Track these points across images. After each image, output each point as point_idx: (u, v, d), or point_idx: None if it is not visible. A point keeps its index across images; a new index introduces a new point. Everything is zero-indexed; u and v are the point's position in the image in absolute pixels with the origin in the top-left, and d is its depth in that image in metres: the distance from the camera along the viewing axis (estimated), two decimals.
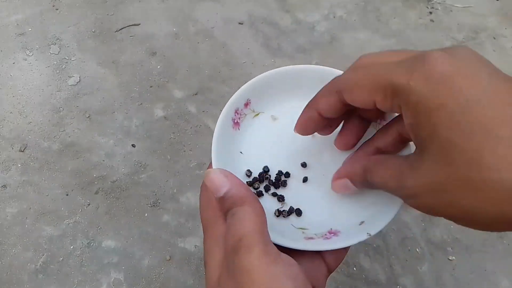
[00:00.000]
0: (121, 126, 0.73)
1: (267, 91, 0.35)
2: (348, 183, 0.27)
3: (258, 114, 0.35)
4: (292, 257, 0.24)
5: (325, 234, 0.29)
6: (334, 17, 0.90)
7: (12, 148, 0.69)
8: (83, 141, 0.71)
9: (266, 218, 0.23)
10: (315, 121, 0.27)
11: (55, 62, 0.80)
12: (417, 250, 0.63)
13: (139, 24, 0.87)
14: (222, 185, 0.23)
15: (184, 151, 0.71)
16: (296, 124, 0.29)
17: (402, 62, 0.20)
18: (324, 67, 0.33)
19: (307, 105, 0.27)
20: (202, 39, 0.85)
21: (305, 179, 0.32)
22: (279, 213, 0.31)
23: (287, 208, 0.31)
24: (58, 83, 0.77)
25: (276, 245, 0.24)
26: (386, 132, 0.26)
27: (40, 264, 0.60)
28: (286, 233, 0.29)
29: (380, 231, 0.28)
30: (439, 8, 0.95)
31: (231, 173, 0.25)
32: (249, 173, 0.32)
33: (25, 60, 0.80)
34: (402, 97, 0.19)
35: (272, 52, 0.84)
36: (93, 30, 0.85)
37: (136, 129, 0.73)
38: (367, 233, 0.27)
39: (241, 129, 0.34)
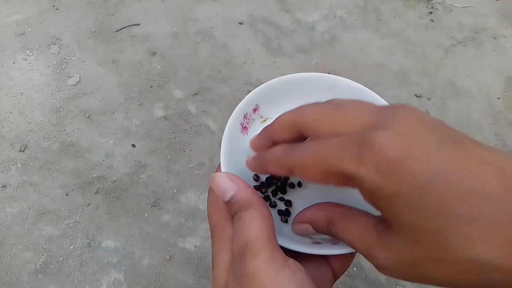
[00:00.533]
0: (121, 126, 0.73)
1: (276, 97, 0.35)
2: (309, 228, 0.27)
3: (266, 120, 0.35)
4: (299, 262, 0.24)
5: (333, 239, 0.29)
6: (334, 17, 0.90)
7: (12, 148, 0.69)
8: (83, 141, 0.71)
9: (273, 222, 0.23)
10: (269, 147, 0.27)
11: (55, 62, 0.80)
12: None
13: (139, 24, 0.87)
14: (228, 189, 0.23)
15: (184, 151, 0.71)
16: (250, 144, 0.28)
17: (348, 146, 0.19)
18: (334, 75, 0.34)
19: (263, 131, 0.27)
20: (202, 39, 0.85)
21: (299, 184, 0.32)
22: (285, 219, 0.31)
23: (294, 213, 0.31)
24: (58, 83, 0.77)
25: (283, 249, 0.24)
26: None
27: (40, 264, 0.60)
28: (294, 237, 0.29)
29: None
30: (439, 8, 0.95)
31: (237, 177, 0.25)
32: (256, 177, 0.32)
33: (25, 60, 0.80)
34: (356, 183, 0.19)
35: (272, 52, 0.83)
36: (93, 30, 0.85)
37: (136, 129, 0.73)
38: None
39: (249, 133, 0.34)
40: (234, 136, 0.33)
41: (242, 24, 0.88)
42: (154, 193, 0.66)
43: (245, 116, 0.34)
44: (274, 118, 0.36)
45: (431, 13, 0.94)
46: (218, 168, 0.31)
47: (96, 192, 0.66)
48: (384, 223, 0.20)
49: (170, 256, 0.61)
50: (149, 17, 0.88)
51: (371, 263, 0.22)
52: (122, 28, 0.85)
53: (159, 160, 0.69)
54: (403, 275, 0.20)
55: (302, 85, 0.35)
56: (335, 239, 0.25)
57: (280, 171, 0.24)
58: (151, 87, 0.78)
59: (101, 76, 0.79)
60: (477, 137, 0.79)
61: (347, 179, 0.20)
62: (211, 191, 0.27)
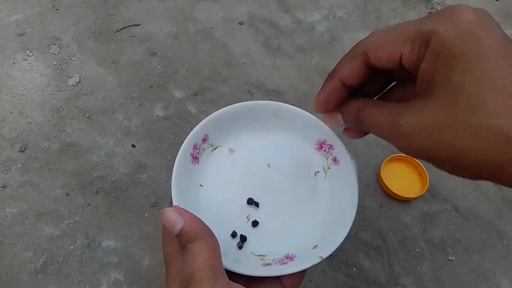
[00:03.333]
0: (121, 126, 0.73)
1: (224, 126, 0.37)
2: (339, 117, 0.28)
3: (216, 147, 0.37)
4: (252, 285, 0.26)
5: (282, 260, 0.31)
6: (334, 17, 0.90)
7: (12, 148, 0.69)
8: (83, 141, 0.71)
9: (219, 250, 0.25)
10: (338, 92, 0.27)
11: (55, 62, 0.80)
12: (417, 250, 0.63)
13: (139, 24, 0.87)
14: (176, 223, 0.25)
15: None
16: (317, 101, 0.29)
17: (428, 16, 0.21)
18: (277, 102, 0.37)
19: (328, 77, 0.27)
20: (202, 39, 0.85)
21: (254, 222, 0.35)
22: (240, 247, 0.33)
23: (250, 238, 0.34)
24: (58, 83, 0.77)
25: (238, 274, 0.27)
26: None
27: (40, 264, 0.60)
28: (246, 262, 0.31)
29: (331, 255, 0.30)
30: (439, 8, 0.95)
31: (185, 210, 0.26)
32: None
33: (25, 60, 0.80)
34: (430, 43, 0.20)
35: (272, 52, 0.84)
36: (93, 30, 0.85)
37: (136, 129, 0.73)
38: (320, 256, 0.29)
39: (200, 163, 0.36)
40: (185, 167, 0.34)
41: (242, 24, 0.88)
42: (154, 193, 0.66)
43: (194, 147, 0.35)
44: (224, 146, 0.39)
45: (430, 13, 0.94)
46: (171, 203, 0.33)
47: (96, 192, 0.66)
48: (421, 95, 0.21)
49: None
50: (149, 17, 0.88)
51: (391, 137, 0.23)
52: (122, 28, 0.85)
53: (159, 160, 0.69)
54: (422, 142, 0.20)
55: (247, 113, 0.37)
56: (358, 128, 0.26)
57: (352, 64, 0.25)
58: (151, 87, 0.78)
59: (101, 76, 0.79)
60: None
61: (421, 42, 0.21)
62: (164, 225, 0.29)
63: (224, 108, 0.36)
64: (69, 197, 0.65)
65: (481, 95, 0.18)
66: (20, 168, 0.68)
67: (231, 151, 0.37)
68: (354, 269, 0.61)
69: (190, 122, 0.74)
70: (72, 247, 0.61)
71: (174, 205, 0.31)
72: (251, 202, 0.34)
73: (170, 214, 0.25)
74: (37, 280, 0.58)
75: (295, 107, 0.37)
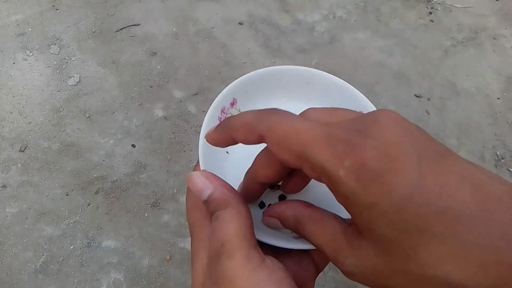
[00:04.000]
0: (121, 126, 0.73)
1: (253, 91, 0.34)
2: (278, 223, 0.27)
3: None
4: (280, 259, 0.24)
5: None
6: (334, 17, 0.90)
7: (12, 148, 0.69)
8: (83, 141, 0.71)
9: (251, 220, 0.23)
10: (227, 143, 0.26)
11: (55, 62, 0.80)
12: None
13: (139, 24, 0.87)
14: (205, 188, 0.23)
15: (184, 151, 0.71)
16: (206, 136, 0.27)
17: (333, 142, 0.19)
18: (310, 68, 0.34)
19: (221, 125, 0.25)
20: (202, 39, 0.85)
21: (281, 197, 0.32)
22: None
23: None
24: (58, 83, 0.77)
25: (264, 244, 0.24)
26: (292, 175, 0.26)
27: (40, 264, 0.60)
28: (275, 233, 0.29)
29: None
30: (439, 8, 0.95)
31: (214, 175, 0.24)
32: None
33: (25, 60, 0.80)
34: (332, 182, 0.19)
35: (272, 52, 0.84)
36: (93, 30, 0.85)
37: (136, 129, 0.73)
38: None
39: None
40: None
41: (242, 24, 0.88)
42: (154, 193, 0.66)
43: (222, 111, 0.33)
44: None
45: (431, 13, 0.94)
46: (197, 166, 0.30)
47: (96, 192, 0.66)
48: (354, 228, 0.20)
49: (170, 256, 0.61)
50: (149, 17, 0.88)
51: (338, 268, 0.22)
52: (122, 28, 0.85)
53: (159, 160, 0.69)
54: (369, 283, 0.20)
55: (280, 78, 0.34)
56: (302, 236, 0.25)
57: (249, 137, 0.22)
58: (151, 87, 0.78)
59: (101, 76, 0.79)
60: (477, 137, 0.79)
61: (322, 173, 0.19)
62: (189, 190, 0.27)
63: (254, 71, 0.33)
64: (69, 197, 0.65)
65: (410, 245, 0.17)
66: (20, 168, 0.68)
67: None
68: None
69: (190, 122, 0.74)
70: (72, 247, 0.61)
71: (201, 169, 0.28)
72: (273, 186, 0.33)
73: (199, 179, 0.23)
74: (37, 280, 0.58)
75: (330, 75, 0.35)
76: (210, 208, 0.23)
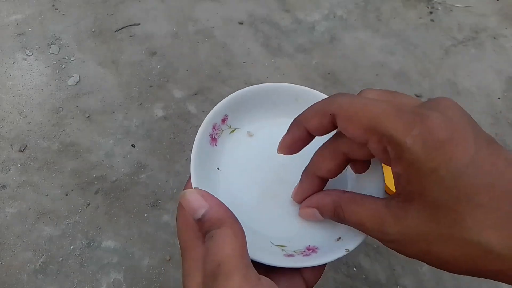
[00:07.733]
0: (121, 126, 0.73)
1: (244, 107, 0.35)
2: (316, 213, 0.28)
3: (234, 130, 0.35)
4: (271, 275, 0.24)
5: (304, 251, 0.29)
6: (334, 17, 0.90)
7: (12, 148, 0.69)
8: (83, 141, 0.71)
9: (245, 238, 0.23)
10: (303, 140, 0.27)
11: (55, 62, 0.80)
12: None
13: (139, 24, 0.87)
14: (199, 207, 0.22)
15: (184, 151, 0.71)
16: (281, 145, 0.28)
17: (402, 113, 0.20)
18: (301, 86, 0.35)
19: (294, 123, 0.26)
20: (202, 39, 0.85)
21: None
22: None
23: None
24: (57, 83, 0.77)
25: (255, 263, 0.24)
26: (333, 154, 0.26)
27: (39, 264, 0.59)
28: (266, 252, 0.29)
29: (359, 246, 0.28)
30: (439, 8, 0.95)
31: (208, 193, 0.24)
32: None
33: (25, 60, 0.80)
34: (397, 150, 0.20)
35: (272, 52, 0.83)
36: (93, 30, 0.85)
37: (136, 129, 0.72)
38: (346, 249, 0.28)
39: (218, 145, 0.34)
40: (204, 148, 0.32)
41: (242, 24, 0.88)
42: (154, 193, 0.66)
43: (214, 127, 0.34)
44: (242, 129, 0.37)
45: (431, 13, 0.94)
46: (188, 183, 0.30)
47: (96, 192, 0.66)
48: (400, 198, 0.21)
49: (170, 256, 0.61)
50: (149, 17, 0.88)
51: (381, 240, 0.23)
52: (122, 28, 0.85)
53: (159, 160, 0.69)
54: (410, 250, 0.21)
55: (270, 95, 0.35)
56: (340, 222, 0.26)
57: (323, 121, 0.23)
58: (151, 87, 0.78)
59: (101, 76, 0.79)
60: None
61: (389, 142, 0.20)
62: (180, 207, 0.26)
63: (245, 88, 0.34)
64: (69, 197, 0.65)
65: (458, 211, 0.19)
66: (19, 168, 0.68)
67: (250, 134, 0.35)
68: (355, 269, 0.61)
69: (190, 122, 0.73)
70: (71, 247, 0.61)
71: (193, 187, 0.28)
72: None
73: (193, 197, 0.23)
74: (36, 280, 0.58)
75: (319, 92, 0.35)
76: (204, 227, 0.22)
